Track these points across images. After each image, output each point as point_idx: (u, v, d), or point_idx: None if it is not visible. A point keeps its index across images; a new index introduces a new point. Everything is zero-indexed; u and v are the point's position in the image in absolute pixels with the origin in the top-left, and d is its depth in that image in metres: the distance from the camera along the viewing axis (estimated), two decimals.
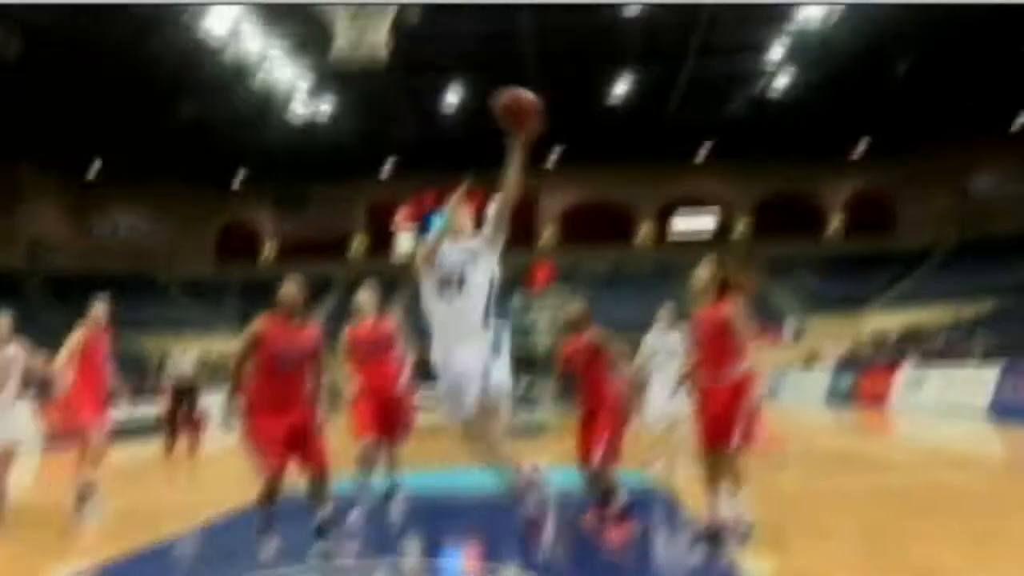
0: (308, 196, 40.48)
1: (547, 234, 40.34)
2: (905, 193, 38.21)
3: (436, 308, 3.99)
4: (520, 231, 39.37)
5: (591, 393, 5.82)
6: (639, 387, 7.92)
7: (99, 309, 7.32)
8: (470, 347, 3.91)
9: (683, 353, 8.62)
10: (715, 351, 5.37)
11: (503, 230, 3.99)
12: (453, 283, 3.95)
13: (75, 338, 7.08)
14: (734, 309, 5.33)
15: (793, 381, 29.48)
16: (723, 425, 5.22)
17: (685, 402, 8.44)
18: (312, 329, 5.33)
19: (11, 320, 6.76)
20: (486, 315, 3.94)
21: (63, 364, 6.93)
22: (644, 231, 40.65)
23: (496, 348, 3.92)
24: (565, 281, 34.96)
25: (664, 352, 8.73)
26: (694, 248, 36.79)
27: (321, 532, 5.09)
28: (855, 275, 36.68)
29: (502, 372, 3.94)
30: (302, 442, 5.11)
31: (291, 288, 5.23)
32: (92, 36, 22.43)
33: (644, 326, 9.11)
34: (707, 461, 5.35)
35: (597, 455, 5.60)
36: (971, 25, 24.04)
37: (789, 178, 39.17)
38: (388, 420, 6.45)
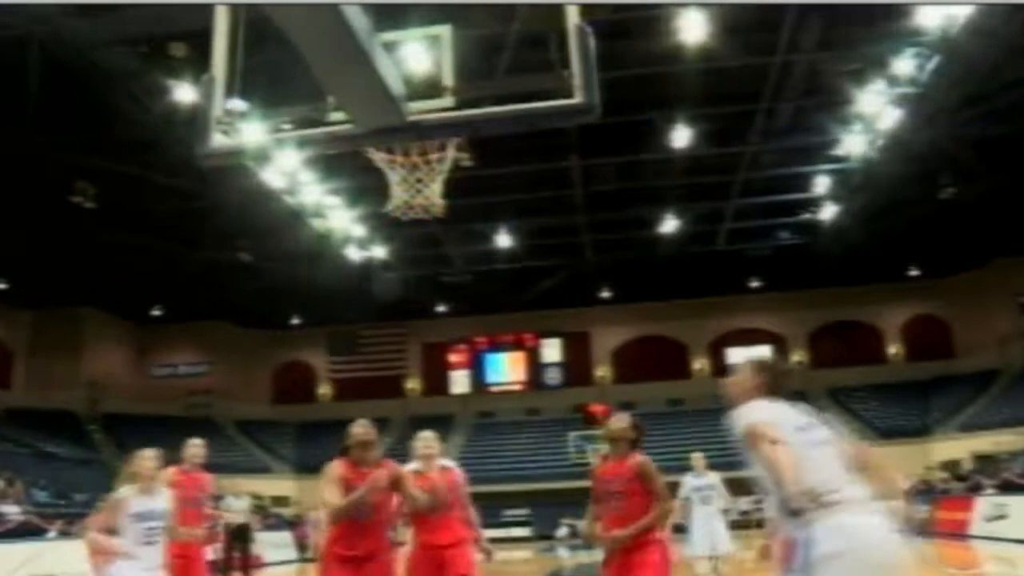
0: (363, 337, 41.17)
1: (601, 371, 40.23)
2: (963, 315, 37.45)
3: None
4: (575, 369, 39.61)
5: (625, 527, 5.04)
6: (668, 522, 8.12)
7: (195, 448, 7.05)
8: None
9: (719, 495, 9.71)
10: None
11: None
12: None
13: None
14: None
15: None
16: None
17: (726, 540, 9.43)
18: (386, 468, 4.96)
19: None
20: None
21: None
22: (699, 365, 40.27)
23: None
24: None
25: (701, 492, 9.61)
26: None
27: None
28: (918, 401, 35.60)
29: None
30: None
31: (360, 427, 4.96)
32: (157, 182, 23.65)
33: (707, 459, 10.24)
34: None
35: None
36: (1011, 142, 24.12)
37: (843, 306, 38.81)
38: None
